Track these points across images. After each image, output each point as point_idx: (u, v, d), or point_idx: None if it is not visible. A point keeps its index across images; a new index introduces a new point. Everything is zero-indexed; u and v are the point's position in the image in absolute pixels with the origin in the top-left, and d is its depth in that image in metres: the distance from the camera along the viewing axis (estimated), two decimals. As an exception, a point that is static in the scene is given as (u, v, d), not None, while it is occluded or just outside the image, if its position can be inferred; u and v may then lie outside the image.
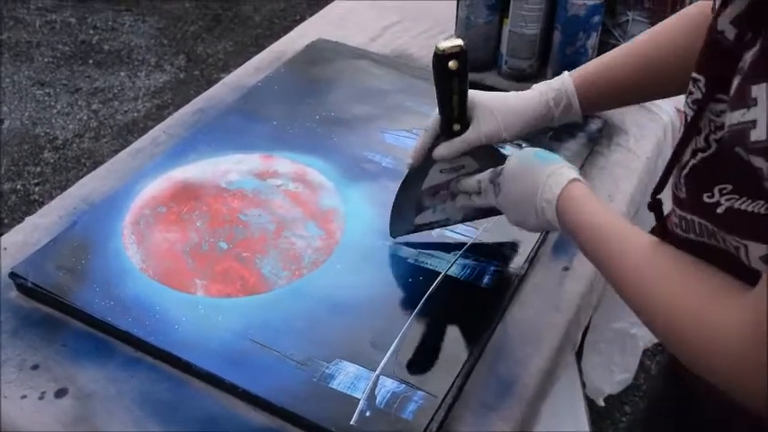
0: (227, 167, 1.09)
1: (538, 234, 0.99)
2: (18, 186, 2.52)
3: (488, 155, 0.89)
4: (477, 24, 1.33)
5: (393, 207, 0.94)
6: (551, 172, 0.78)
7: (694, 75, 0.60)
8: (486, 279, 0.94)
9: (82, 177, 1.13)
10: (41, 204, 2.42)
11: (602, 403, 1.59)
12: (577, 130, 1.19)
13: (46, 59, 3.13)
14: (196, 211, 1.02)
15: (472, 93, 0.86)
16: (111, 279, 0.92)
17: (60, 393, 0.82)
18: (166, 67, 3.11)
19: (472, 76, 1.34)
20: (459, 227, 1.00)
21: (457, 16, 1.39)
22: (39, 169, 2.59)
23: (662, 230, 0.69)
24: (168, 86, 3.00)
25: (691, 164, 0.61)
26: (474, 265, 0.95)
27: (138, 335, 0.86)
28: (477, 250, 0.97)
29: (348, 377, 0.81)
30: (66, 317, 0.90)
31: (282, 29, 3.32)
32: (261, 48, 3.27)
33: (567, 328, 0.94)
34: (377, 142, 1.16)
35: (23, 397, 0.82)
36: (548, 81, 0.90)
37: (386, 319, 0.88)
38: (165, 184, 1.06)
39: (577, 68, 0.90)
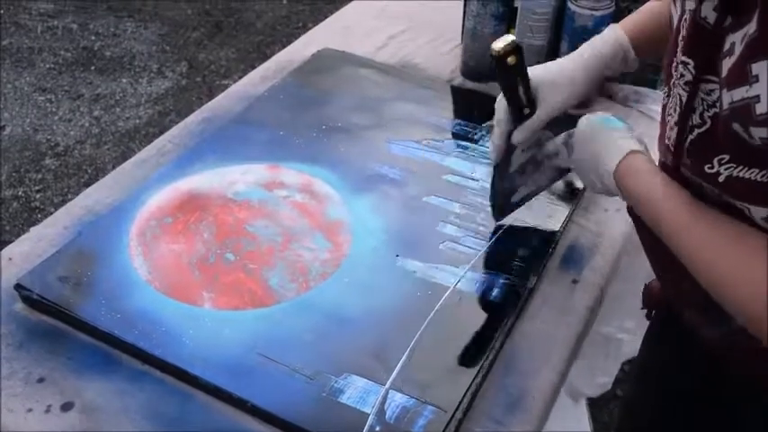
0: (234, 178, 1.09)
1: (546, 247, 0.99)
2: (19, 193, 2.51)
3: (560, 121, 0.93)
4: (483, 35, 1.32)
5: (491, 196, 1.01)
6: (613, 141, 0.80)
7: (683, 58, 0.65)
8: (494, 292, 0.93)
9: (83, 184, 1.13)
10: (42, 211, 2.42)
11: (581, 405, 1.59)
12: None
13: (47, 66, 3.13)
14: (203, 221, 1.01)
15: (531, 72, 0.89)
16: (117, 291, 0.91)
17: (66, 407, 0.82)
18: (168, 74, 3.11)
19: (480, 87, 1.36)
20: (468, 240, 0.99)
21: (463, 26, 1.39)
22: (40, 176, 2.58)
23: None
24: (170, 93, 3.00)
25: (689, 139, 0.67)
26: (483, 278, 0.94)
27: (144, 348, 0.85)
28: (485, 264, 0.97)
29: (357, 391, 0.81)
30: (72, 329, 0.89)
31: (285, 36, 3.32)
32: (263, 55, 3.28)
33: (577, 341, 0.94)
34: (383, 153, 1.16)
35: (29, 410, 0.82)
36: (599, 36, 0.92)
37: (395, 333, 0.87)
38: (172, 194, 1.05)
39: (623, 21, 0.93)
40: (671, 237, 0.71)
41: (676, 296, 0.86)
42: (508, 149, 0.95)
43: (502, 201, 1.01)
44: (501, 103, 0.91)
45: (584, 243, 1.04)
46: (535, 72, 0.90)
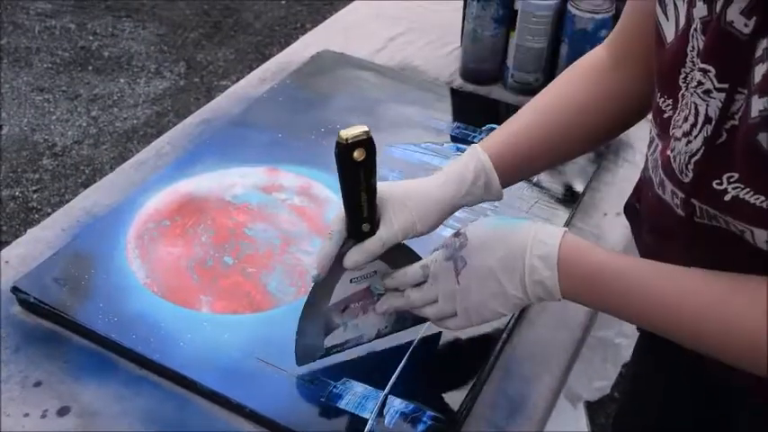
0: (232, 181, 1.08)
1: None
2: (17, 193, 2.50)
3: (401, 254, 0.79)
4: (483, 37, 1.32)
5: (298, 331, 0.80)
6: (539, 226, 0.71)
7: (703, 66, 0.61)
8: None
9: (81, 185, 1.12)
10: (39, 212, 2.42)
11: (579, 409, 1.58)
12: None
13: (45, 65, 3.12)
14: (201, 225, 1.01)
15: (379, 186, 0.75)
16: (114, 294, 0.91)
17: (63, 411, 0.81)
18: (166, 74, 3.10)
19: (479, 90, 1.35)
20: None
21: (463, 29, 1.38)
22: (37, 176, 2.58)
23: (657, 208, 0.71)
24: (168, 93, 2.99)
25: (701, 151, 0.62)
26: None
27: (142, 352, 0.84)
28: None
29: (356, 396, 0.80)
30: (70, 333, 0.89)
31: (283, 36, 3.32)
32: (261, 55, 3.27)
33: (575, 347, 0.93)
34: (383, 156, 1.15)
35: (26, 415, 0.81)
36: (458, 159, 0.80)
37: (394, 337, 0.87)
38: (170, 197, 1.05)
39: (485, 141, 0.82)
40: (652, 308, 0.66)
41: None
42: (333, 271, 0.78)
43: (312, 341, 0.82)
44: (339, 212, 0.76)
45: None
46: (383, 188, 0.76)
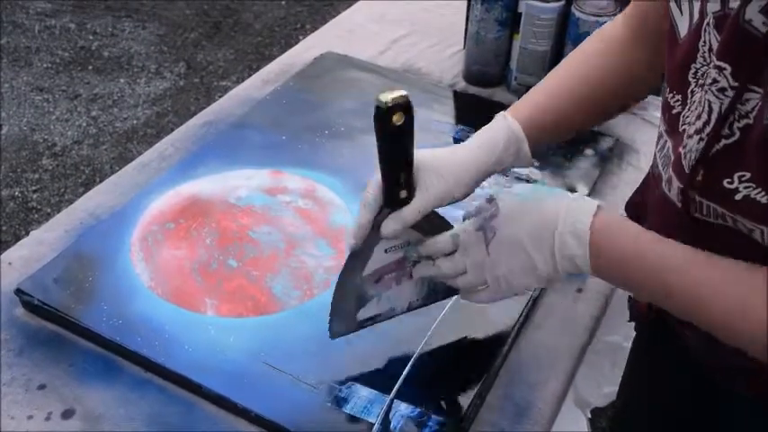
0: (237, 183, 1.08)
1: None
2: (16, 193, 2.50)
3: (434, 222, 0.78)
4: (487, 39, 1.32)
5: (333, 301, 0.79)
6: (571, 200, 0.70)
7: (718, 63, 0.60)
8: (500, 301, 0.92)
9: (80, 185, 1.12)
10: (39, 212, 2.41)
11: (588, 415, 1.58)
12: (588, 150, 1.18)
13: (45, 65, 3.11)
14: (205, 227, 1.00)
15: (415, 154, 0.74)
16: (118, 297, 0.90)
17: (67, 414, 0.81)
18: (166, 75, 3.10)
19: (482, 93, 1.35)
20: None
21: (466, 31, 1.38)
22: (37, 176, 2.57)
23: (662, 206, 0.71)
24: (168, 94, 2.99)
25: (715, 149, 0.62)
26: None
27: (147, 355, 0.84)
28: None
29: (362, 401, 0.80)
30: (74, 335, 0.88)
31: (283, 37, 3.31)
32: (261, 56, 3.27)
33: (581, 351, 0.93)
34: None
35: (30, 417, 0.81)
36: (490, 126, 0.80)
37: (399, 342, 0.86)
38: (174, 199, 1.05)
39: (513, 108, 0.82)
40: (682, 298, 0.66)
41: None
42: (368, 241, 0.76)
43: (346, 313, 0.81)
44: (376, 177, 0.75)
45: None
46: (419, 155, 0.75)
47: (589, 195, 1.11)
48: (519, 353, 0.90)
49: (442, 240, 0.77)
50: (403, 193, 0.74)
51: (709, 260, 0.64)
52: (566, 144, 1.19)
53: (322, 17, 3.32)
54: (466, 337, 0.89)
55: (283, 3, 3.61)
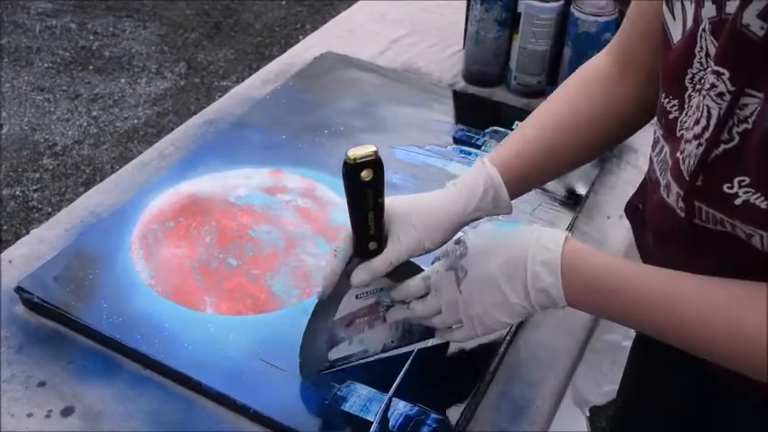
0: (236, 182, 1.08)
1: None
2: (17, 192, 2.50)
3: (405, 268, 0.77)
4: (486, 39, 1.32)
5: (302, 344, 0.80)
6: (539, 233, 0.70)
7: (716, 68, 0.60)
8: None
9: (81, 184, 1.12)
10: (40, 211, 2.41)
11: (586, 414, 1.58)
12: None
13: (46, 65, 3.12)
14: (205, 226, 1.01)
15: (387, 202, 0.74)
16: (118, 295, 0.91)
17: (67, 412, 0.81)
18: (167, 74, 3.10)
19: (482, 92, 1.35)
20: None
21: (466, 31, 1.39)
22: (38, 175, 2.57)
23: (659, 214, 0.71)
24: (168, 94, 2.99)
25: (714, 154, 0.62)
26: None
27: (146, 353, 0.84)
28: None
29: (360, 399, 0.80)
30: (73, 333, 0.89)
31: (283, 37, 3.32)
32: (261, 56, 3.27)
33: (579, 350, 0.93)
34: (386, 158, 1.13)
35: (30, 415, 0.81)
36: (466, 174, 0.79)
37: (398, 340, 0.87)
38: (174, 197, 1.05)
39: (493, 155, 0.81)
40: (657, 316, 0.66)
41: None
42: (338, 288, 0.77)
43: (316, 354, 0.82)
44: (346, 230, 0.76)
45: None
46: (390, 203, 0.75)
47: (588, 195, 1.12)
48: (517, 351, 0.90)
49: (414, 284, 0.77)
50: (372, 245, 0.74)
51: (682, 279, 0.65)
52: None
53: (322, 17, 3.32)
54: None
55: (283, 3, 3.62)
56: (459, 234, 0.76)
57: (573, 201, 1.09)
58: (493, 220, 0.76)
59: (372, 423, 0.78)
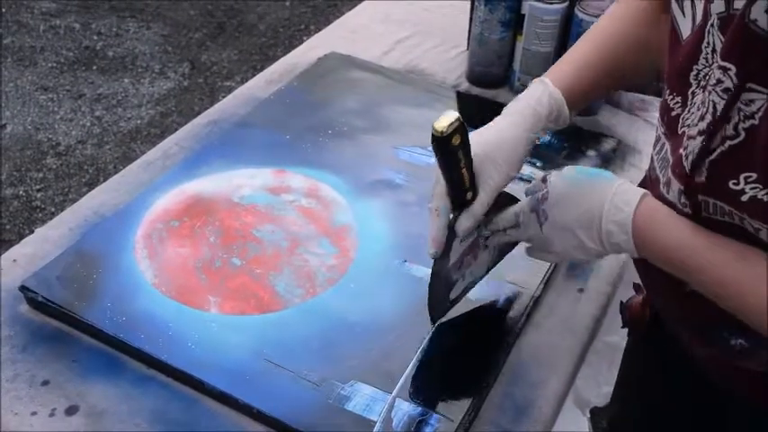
0: (240, 182, 1.08)
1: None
2: (20, 192, 2.50)
3: (498, 202, 0.81)
4: (490, 41, 1.32)
5: (429, 298, 0.85)
6: (616, 188, 0.71)
7: (723, 63, 0.60)
8: (501, 300, 0.93)
9: (84, 184, 1.12)
10: (43, 211, 2.42)
11: (587, 414, 1.58)
12: (591, 151, 1.19)
13: (49, 65, 3.12)
14: (209, 225, 1.01)
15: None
16: (122, 294, 0.91)
17: (71, 410, 0.81)
18: (170, 75, 3.10)
19: (486, 93, 1.35)
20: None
21: (470, 32, 1.38)
22: (41, 175, 2.58)
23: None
24: (172, 94, 2.99)
25: (719, 150, 0.62)
26: (489, 285, 0.94)
27: (150, 352, 0.85)
28: (492, 271, 0.96)
29: (364, 399, 0.80)
30: (78, 332, 0.89)
31: (287, 38, 3.32)
32: (265, 56, 3.27)
33: (582, 351, 0.93)
34: (390, 158, 1.15)
35: (34, 413, 0.81)
36: (529, 94, 0.82)
37: (401, 340, 0.87)
38: (178, 197, 1.05)
39: (551, 73, 0.84)
40: (715, 283, 0.67)
41: (666, 313, 0.85)
42: (448, 240, 0.81)
43: (440, 301, 0.87)
44: (439, 189, 0.79)
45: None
46: (473, 149, 0.77)
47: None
48: (520, 352, 0.90)
49: (506, 218, 0.82)
50: (469, 195, 0.78)
51: (754, 257, 0.65)
52: (569, 145, 1.19)
53: (326, 18, 3.32)
54: (467, 337, 0.89)
55: (287, 4, 3.62)
56: (547, 174, 0.79)
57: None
58: (577, 164, 0.80)
59: (376, 423, 0.78)
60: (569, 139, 1.20)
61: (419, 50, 1.48)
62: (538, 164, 1.15)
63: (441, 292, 0.86)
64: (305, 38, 1.52)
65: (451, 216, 0.80)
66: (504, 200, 0.82)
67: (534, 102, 0.81)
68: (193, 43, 3.32)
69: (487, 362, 0.86)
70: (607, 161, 1.18)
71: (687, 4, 0.67)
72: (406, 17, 1.58)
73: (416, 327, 0.88)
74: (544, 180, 0.77)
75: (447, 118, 0.72)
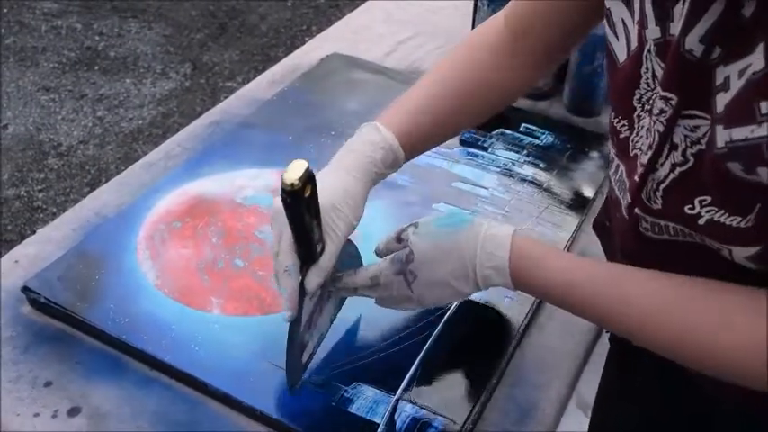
0: (243, 183, 1.08)
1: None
2: (22, 192, 2.51)
3: (341, 254, 0.78)
4: (493, 42, 1.32)
5: (288, 366, 0.79)
6: (483, 235, 0.72)
7: (664, 94, 0.60)
8: (504, 302, 0.93)
9: (86, 185, 1.12)
10: (45, 211, 2.42)
11: (588, 415, 1.57)
12: (594, 152, 1.19)
13: (51, 65, 3.12)
14: (211, 226, 1.01)
15: None
16: (125, 295, 0.91)
17: (74, 412, 0.81)
18: (172, 75, 3.11)
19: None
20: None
21: (472, 33, 1.38)
22: (43, 176, 2.58)
23: (632, 232, 0.71)
24: (174, 94, 3.00)
25: (670, 178, 0.63)
26: (492, 288, 0.94)
27: (152, 353, 0.84)
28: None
29: (367, 401, 0.80)
30: (80, 333, 0.89)
31: (288, 38, 3.32)
32: (266, 57, 3.27)
33: (585, 353, 0.93)
34: (392, 159, 1.15)
35: (36, 415, 0.81)
36: (363, 140, 0.80)
37: (405, 342, 0.87)
38: (180, 198, 1.05)
39: (383, 118, 0.83)
40: (613, 319, 0.69)
41: None
42: (299, 299, 0.75)
43: (296, 367, 0.81)
44: (285, 245, 0.73)
45: (594, 253, 1.04)
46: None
47: (596, 197, 1.11)
48: (523, 354, 0.90)
49: (360, 281, 0.79)
50: (320, 247, 0.74)
51: (633, 279, 0.67)
52: (572, 147, 1.19)
53: (328, 19, 3.32)
54: (471, 339, 0.89)
55: (289, 4, 3.62)
56: (402, 232, 0.78)
57: (580, 203, 1.09)
58: (432, 215, 0.78)
59: (379, 425, 0.78)
60: (572, 141, 1.20)
61: (421, 51, 1.48)
62: (541, 165, 1.15)
63: (296, 356, 0.80)
64: (307, 39, 1.52)
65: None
66: (344, 252, 0.78)
67: (369, 149, 0.79)
68: (195, 44, 3.32)
69: (490, 364, 0.86)
70: (610, 163, 1.18)
71: (619, 27, 0.66)
72: (408, 18, 1.58)
73: (419, 329, 0.88)
74: (399, 240, 0.77)
75: (296, 168, 0.67)
